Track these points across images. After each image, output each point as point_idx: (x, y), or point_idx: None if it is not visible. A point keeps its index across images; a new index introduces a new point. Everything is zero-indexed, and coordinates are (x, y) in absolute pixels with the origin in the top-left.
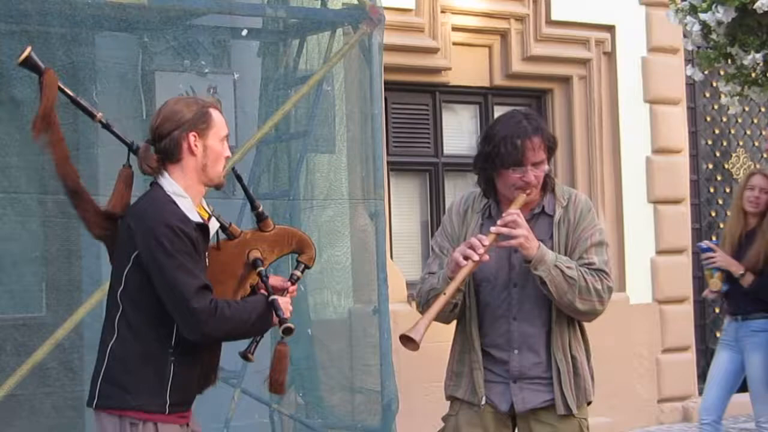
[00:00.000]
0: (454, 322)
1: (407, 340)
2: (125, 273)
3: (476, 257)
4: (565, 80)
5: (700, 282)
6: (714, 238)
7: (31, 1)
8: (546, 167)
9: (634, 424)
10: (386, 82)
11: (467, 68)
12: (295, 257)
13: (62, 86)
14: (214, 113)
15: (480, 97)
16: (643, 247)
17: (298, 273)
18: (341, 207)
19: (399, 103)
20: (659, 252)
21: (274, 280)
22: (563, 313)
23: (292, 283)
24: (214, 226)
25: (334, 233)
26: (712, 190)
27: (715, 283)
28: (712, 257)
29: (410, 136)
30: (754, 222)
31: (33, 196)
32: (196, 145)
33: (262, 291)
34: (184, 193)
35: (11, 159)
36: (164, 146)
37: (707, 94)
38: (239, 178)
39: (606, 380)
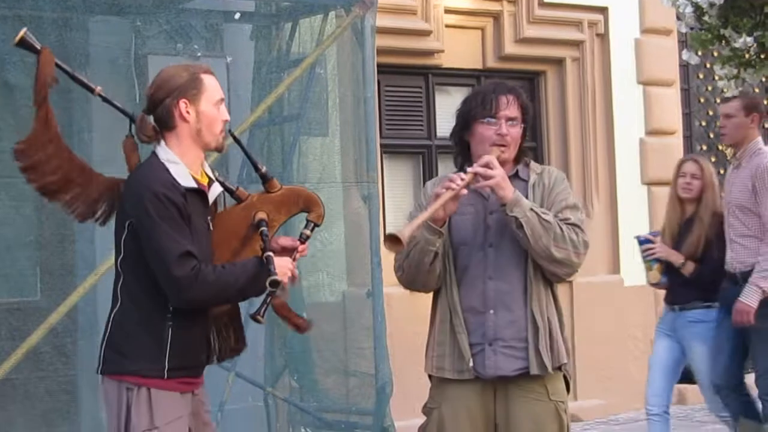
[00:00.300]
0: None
1: (392, 241)
2: (122, 241)
3: (455, 186)
4: (558, 62)
5: None
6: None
7: None
8: (520, 129)
9: (628, 406)
10: (379, 65)
11: (460, 50)
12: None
13: (59, 63)
14: (206, 78)
15: (473, 79)
16: (638, 229)
17: (307, 231)
18: (335, 190)
19: (392, 85)
20: None
21: (284, 241)
22: (539, 274)
23: (302, 242)
24: (215, 190)
25: (328, 216)
26: None
27: (654, 275)
28: (652, 249)
29: (403, 119)
30: (691, 209)
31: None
32: (188, 112)
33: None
34: (178, 159)
35: (5, 143)
36: (158, 114)
37: (701, 76)
38: (238, 141)
39: (600, 363)
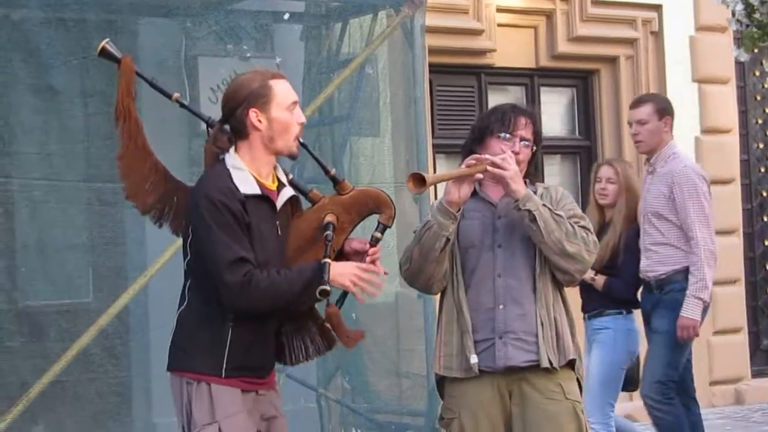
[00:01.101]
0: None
1: (416, 180)
2: (188, 244)
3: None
4: (612, 61)
5: (751, 263)
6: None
7: None
8: (530, 151)
9: None
10: (431, 65)
11: (512, 50)
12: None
13: (139, 71)
14: (276, 83)
15: (526, 78)
16: None
17: (378, 234)
18: (386, 191)
19: (444, 85)
20: None
21: (356, 243)
22: (547, 273)
23: (372, 245)
24: (285, 195)
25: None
26: (762, 169)
27: None
28: None
29: (456, 119)
30: (611, 214)
31: (74, 184)
32: (259, 120)
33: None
34: (243, 166)
35: (52, 147)
36: (232, 124)
37: (757, 73)
38: (304, 145)
39: None
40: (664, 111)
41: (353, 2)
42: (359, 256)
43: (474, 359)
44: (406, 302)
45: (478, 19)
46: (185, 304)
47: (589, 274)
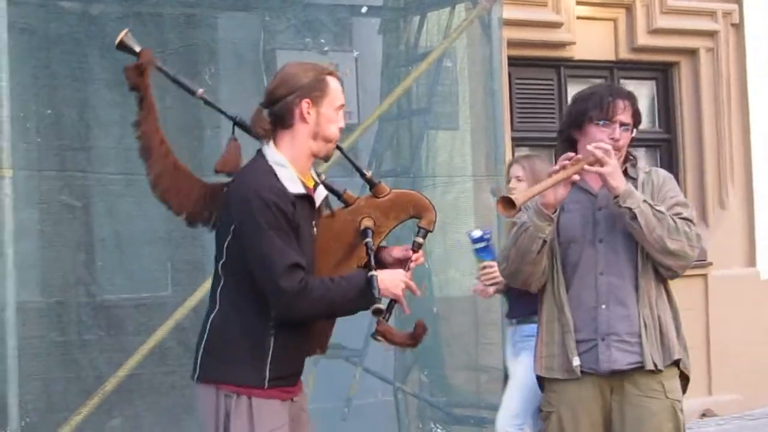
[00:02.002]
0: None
1: (506, 204)
2: (226, 244)
3: (569, 165)
4: (692, 53)
5: None
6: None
7: None
8: (631, 135)
9: (765, 401)
10: (510, 58)
11: (592, 42)
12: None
13: (160, 65)
14: (332, 81)
15: (606, 71)
16: None
17: (420, 239)
18: (465, 184)
19: (523, 78)
20: None
21: (397, 252)
22: (650, 269)
23: (414, 251)
24: (321, 194)
25: (459, 210)
26: None
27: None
28: (490, 272)
29: (535, 111)
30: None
31: (113, 176)
32: (309, 113)
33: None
34: (286, 162)
35: (128, 141)
36: (277, 110)
37: None
38: (339, 148)
39: (737, 357)
40: None
41: None
42: (401, 263)
43: (576, 362)
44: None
45: (557, 11)
46: (217, 309)
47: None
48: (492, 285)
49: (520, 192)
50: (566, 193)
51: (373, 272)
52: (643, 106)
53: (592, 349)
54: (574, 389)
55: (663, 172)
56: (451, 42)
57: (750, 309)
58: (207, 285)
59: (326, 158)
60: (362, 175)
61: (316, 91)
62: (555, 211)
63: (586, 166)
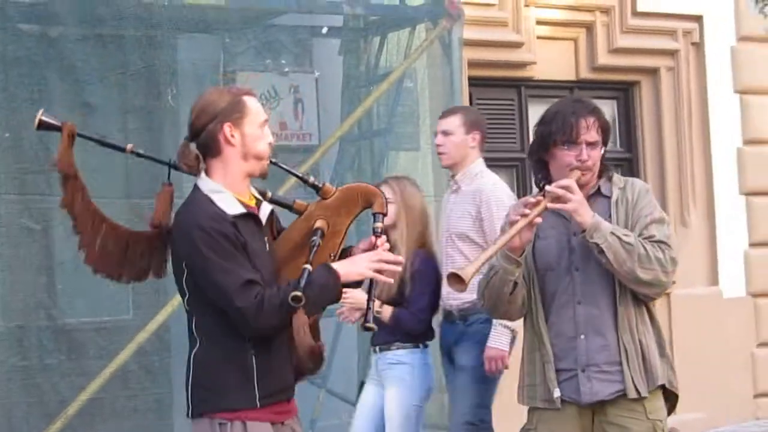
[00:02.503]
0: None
1: (455, 279)
2: (183, 282)
3: (528, 212)
4: (653, 72)
5: None
6: None
7: (106, 5)
8: (601, 150)
9: (730, 419)
10: (471, 78)
11: (552, 62)
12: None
13: (84, 133)
14: (249, 100)
15: (566, 90)
16: (736, 240)
17: (379, 224)
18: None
19: (484, 98)
20: (752, 244)
21: (363, 245)
22: (629, 295)
23: (377, 236)
24: (266, 210)
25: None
26: None
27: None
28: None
29: (496, 132)
30: (394, 237)
31: (112, 201)
32: (233, 135)
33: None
34: (221, 188)
35: (90, 163)
36: (202, 141)
37: None
38: (275, 163)
39: (700, 375)
40: (473, 125)
41: (391, 16)
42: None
43: (557, 393)
44: None
45: (517, 31)
46: (197, 345)
47: (376, 307)
48: (357, 310)
49: (469, 266)
50: (531, 236)
51: (308, 266)
52: None
53: (572, 379)
54: (556, 416)
55: (639, 186)
56: (411, 62)
57: (713, 327)
58: (169, 308)
59: (263, 175)
60: (305, 181)
61: (235, 113)
62: (522, 254)
63: (549, 204)
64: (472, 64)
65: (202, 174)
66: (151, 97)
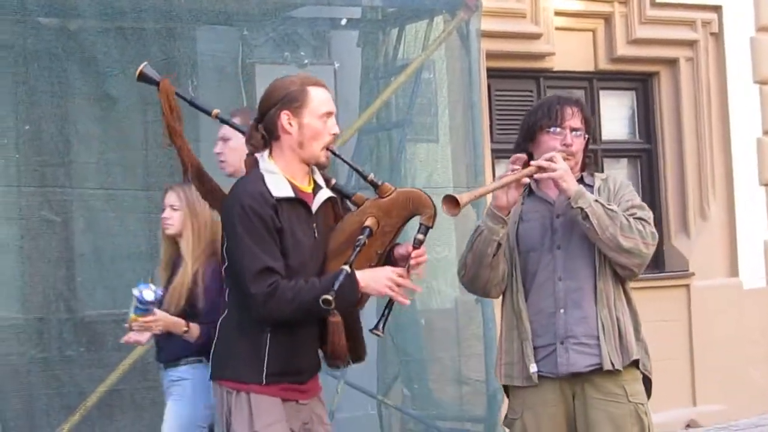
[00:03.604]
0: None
1: (450, 202)
2: (224, 250)
3: (518, 169)
4: (672, 63)
5: None
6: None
7: None
8: (583, 140)
9: (749, 411)
10: (489, 69)
11: (571, 53)
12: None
13: (179, 92)
14: (314, 90)
15: (585, 81)
16: (756, 231)
17: (420, 236)
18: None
19: (503, 89)
20: None
21: (400, 249)
22: (608, 272)
23: (415, 248)
24: (321, 197)
25: (440, 223)
26: None
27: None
28: (150, 323)
29: (515, 123)
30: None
31: (131, 192)
32: (290, 123)
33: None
34: (276, 169)
35: (109, 155)
36: (265, 124)
37: None
38: (337, 154)
39: (720, 367)
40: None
41: (409, 7)
42: (404, 260)
43: (533, 368)
44: (464, 308)
45: (536, 22)
46: (225, 312)
47: (181, 328)
48: (146, 332)
49: (464, 194)
50: (518, 196)
51: (346, 267)
52: (624, 116)
53: (551, 354)
54: (536, 395)
55: (620, 179)
56: (429, 54)
57: (733, 319)
58: None
59: (321, 166)
60: (364, 177)
61: (295, 102)
62: (508, 214)
63: (537, 175)
64: (491, 56)
65: (265, 153)
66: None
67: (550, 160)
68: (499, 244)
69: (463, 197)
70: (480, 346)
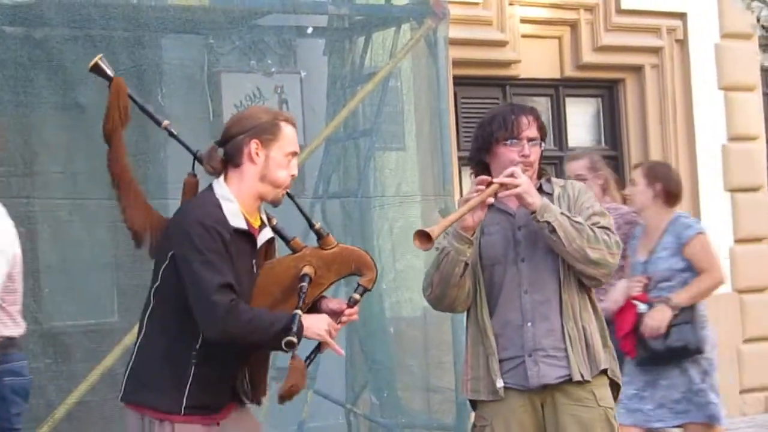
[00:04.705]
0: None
1: (422, 237)
2: (162, 270)
3: (482, 189)
4: (637, 69)
5: None
6: None
7: (94, 5)
8: (540, 150)
9: None
10: (455, 77)
11: (537, 60)
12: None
13: (131, 94)
14: (285, 127)
15: (551, 89)
16: (722, 237)
17: (357, 296)
18: (413, 204)
19: (469, 97)
20: (738, 241)
21: (333, 303)
22: (573, 283)
23: (349, 306)
24: (265, 235)
25: (408, 231)
26: None
27: None
28: None
29: None
30: None
31: (99, 202)
32: (257, 153)
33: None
34: (232, 197)
35: (77, 165)
36: (228, 148)
37: None
38: (291, 197)
39: None
40: None
41: (376, 15)
42: (335, 316)
43: (500, 383)
44: (433, 316)
45: (502, 30)
46: (143, 333)
47: None
48: None
49: (434, 226)
50: (483, 215)
51: (298, 311)
52: (589, 123)
53: (519, 366)
54: (504, 405)
55: (578, 185)
56: (397, 62)
57: None
58: None
59: (275, 203)
60: (311, 225)
61: (267, 133)
62: (473, 234)
63: (500, 194)
64: (457, 63)
65: (221, 178)
66: (141, 97)
67: (511, 175)
68: (466, 264)
69: (434, 230)
70: (449, 354)
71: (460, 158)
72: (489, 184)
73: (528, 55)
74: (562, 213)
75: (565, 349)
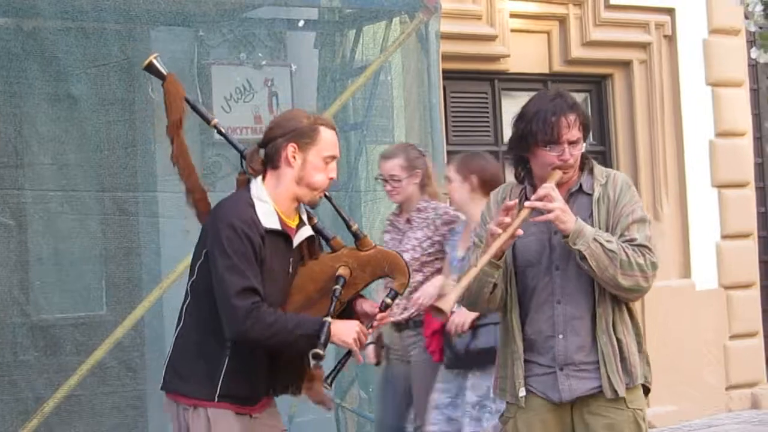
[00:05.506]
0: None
1: (436, 311)
2: (197, 265)
3: (509, 222)
4: (626, 65)
5: (766, 267)
6: None
7: None
8: (582, 146)
9: (702, 411)
10: (445, 71)
11: (526, 55)
12: None
13: (187, 98)
14: (324, 131)
15: (539, 83)
16: (708, 232)
17: (388, 300)
18: None
19: (458, 91)
20: (724, 237)
21: (367, 306)
22: (607, 295)
23: (381, 311)
24: (302, 234)
25: None
26: None
27: None
28: None
29: (470, 125)
30: None
31: (91, 194)
32: (294, 157)
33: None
34: (267, 198)
35: (69, 156)
36: (268, 150)
37: None
38: (329, 199)
39: (673, 368)
40: None
41: (367, 9)
42: (367, 318)
43: (522, 393)
44: None
45: (491, 24)
46: (181, 325)
47: None
48: None
49: (449, 295)
50: (512, 242)
51: (328, 319)
52: None
53: (549, 375)
54: (534, 407)
55: (621, 180)
56: (388, 56)
57: (685, 320)
58: (146, 303)
59: (312, 205)
60: (348, 227)
61: (305, 137)
62: (502, 257)
63: (532, 219)
64: (446, 57)
65: (258, 178)
66: (132, 89)
67: (545, 197)
68: (495, 284)
69: (449, 300)
70: None
71: (448, 152)
72: (513, 209)
73: (517, 49)
74: (594, 239)
75: (597, 362)
